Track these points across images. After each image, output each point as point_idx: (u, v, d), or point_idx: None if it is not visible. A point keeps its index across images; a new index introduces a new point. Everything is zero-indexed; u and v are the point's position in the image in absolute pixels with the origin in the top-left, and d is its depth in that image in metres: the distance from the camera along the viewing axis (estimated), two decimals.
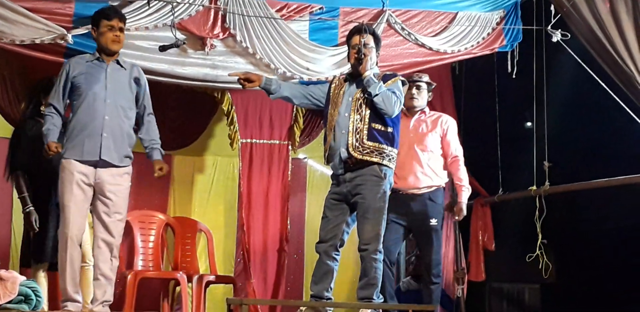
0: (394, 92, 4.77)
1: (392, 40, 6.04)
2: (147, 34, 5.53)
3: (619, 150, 6.13)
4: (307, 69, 5.86)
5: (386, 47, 5.85)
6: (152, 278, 6.07)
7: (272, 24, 5.81)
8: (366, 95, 4.78)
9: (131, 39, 5.49)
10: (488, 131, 6.83)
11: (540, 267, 6.17)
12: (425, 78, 5.70)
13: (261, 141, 6.40)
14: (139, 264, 6.11)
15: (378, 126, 4.78)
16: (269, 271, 6.29)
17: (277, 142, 6.45)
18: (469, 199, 6.50)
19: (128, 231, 6.12)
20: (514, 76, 6.44)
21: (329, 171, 5.12)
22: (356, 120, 4.78)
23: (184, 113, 6.72)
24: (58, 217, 4.72)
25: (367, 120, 4.77)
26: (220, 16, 5.70)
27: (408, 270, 6.82)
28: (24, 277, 4.66)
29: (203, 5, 5.64)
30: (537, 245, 6.20)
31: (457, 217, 5.50)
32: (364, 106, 4.79)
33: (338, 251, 4.84)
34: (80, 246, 5.02)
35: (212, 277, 6.10)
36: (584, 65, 6.02)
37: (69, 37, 5.15)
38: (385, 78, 4.89)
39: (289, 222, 6.40)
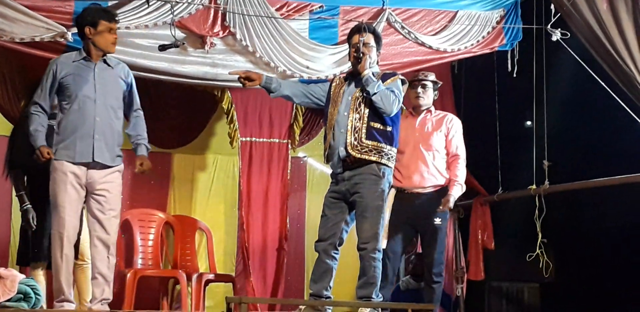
0: (392, 91, 4.76)
1: (392, 38, 6.04)
2: (147, 32, 5.53)
3: (618, 149, 6.14)
4: (307, 68, 5.87)
5: (386, 45, 5.85)
6: (151, 277, 6.08)
7: (272, 22, 5.81)
8: (365, 94, 4.78)
9: (131, 37, 5.49)
10: (488, 130, 6.83)
11: (540, 266, 6.16)
12: (432, 77, 5.66)
13: (261, 140, 6.40)
14: (138, 262, 6.11)
15: (377, 125, 4.78)
16: (268, 270, 6.30)
17: (277, 140, 6.45)
18: (469, 198, 6.52)
19: (127, 229, 6.13)
20: (513, 75, 6.45)
21: (328, 170, 5.12)
22: (355, 119, 4.77)
23: (184, 111, 6.73)
24: None
25: (366, 119, 4.77)
26: (220, 14, 5.70)
27: (407, 269, 6.82)
28: (23, 276, 4.66)
29: (203, 4, 5.64)
30: (536, 244, 6.19)
31: (441, 207, 5.44)
32: (363, 105, 4.79)
33: (337, 250, 4.83)
34: (78, 245, 5.05)
35: (211, 276, 6.11)
36: (584, 65, 6.02)
37: (69, 35, 5.16)
38: (384, 77, 4.89)
39: (288, 220, 6.41)
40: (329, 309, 4.83)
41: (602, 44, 5.71)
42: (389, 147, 4.80)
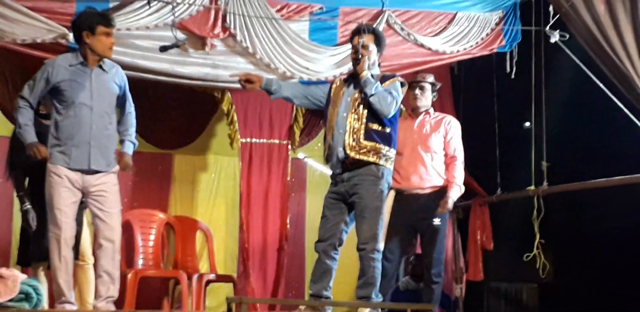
0: (390, 93, 4.77)
1: (392, 40, 6.03)
2: (147, 34, 5.55)
3: (617, 150, 6.15)
4: (307, 69, 5.88)
5: (385, 47, 5.86)
6: (152, 277, 6.09)
7: (273, 23, 5.83)
8: (363, 96, 4.80)
9: (132, 38, 5.51)
10: (487, 131, 6.84)
11: (537, 266, 6.18)
12: (430, 78, 5.67)
13: (261, 141, 6.42)
14: (139, 263, 6.13)
15: (375, 126, 4.80)
16: (268, 270, 6.31)
17: (277, 141, 6.46)
18: (468, 198, 6.53)
19: (128, 229, 6.14)
20: (512, 76, 6.46)
21: (328, 171, 5.14)
22: (353, 120, 4.80)
23: (184, 112, 6.75)
24: None
25: (364, 120, 4.79)
26: (220, 16, 5.71)
27: (407, 270, 6.84)
28: (24, 276, 4.67)
29: (203, 5, 5.66)
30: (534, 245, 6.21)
31: (439, 209, 5.46)
32: (361, 106, 4.81)
33: (337, 250, 4.85)
34: (79, 246, 5.07)
35: (212, 276, 6.12)
36: (582, 66, 6.03)
37: (70, 36, 5.15)
38: (384, 79, 4.90)
39: (288, 221, 6.42)
40: (329, 309, 4.85)
41: (601, 45, 5.72)
42: (387, 148, 4.82)
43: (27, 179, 5.13)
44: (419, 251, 6.30)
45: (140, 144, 6.53)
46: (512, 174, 6.73)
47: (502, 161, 6.78)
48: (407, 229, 5.54)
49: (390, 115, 4.80)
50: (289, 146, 6.50)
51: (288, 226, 6.40)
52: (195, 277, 5.97)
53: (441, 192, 5.50)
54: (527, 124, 6.85)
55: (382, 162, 4.79)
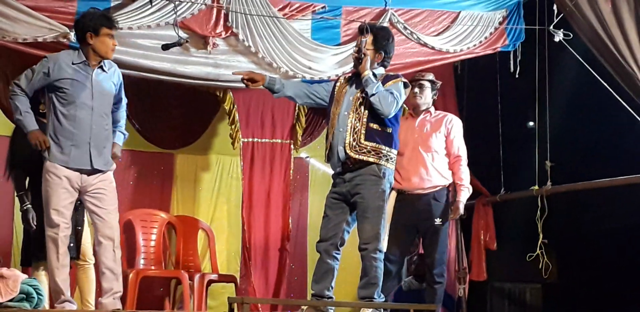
0: (391, 93, 4.73)
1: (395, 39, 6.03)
2: (149, 33, 5.54)
3: (621, 150, 6.13)
4: (310, 68, 5.87)
5: (394, 45, 5.84)
6: (153, 277, 6.09)
7: (275, 23, 5.81)
8: (364, 95, 4.77)
9: (133, 37, 5.50)
10: (490, 131, 6.83)
11: (540, 266, 6.16)
12: (429, 76, 5.64)
13: (263, 140, 6.41)
14: (140, 262, 6.12)
15: (376, 126, 4.77)
16: (270, 270, 6.30)
17: (279, 141, 6.45)
18: (471, 198, 6.49)
19: (130, 229, 6.14)
20: (516, 76, 6.45)
21: (330, 170, 5.12)
22: (355, 119, 4.77)
23: (186, 112, 6.73)
24: None
25: (364, 120, 4.77)
26: (222, 15, 5.70)
27: (410, 270, 6.82)
28: (25, 276, 4.66)
29: (205, 4, 5.65)
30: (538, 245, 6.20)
31: (452, 216, 5.48)
32: (363, 106, 4.79)
33: (339, 250, 4.84)
34: (80, 245, 5.06)
35: (213, 276, 6.11)
36: (586, 65, 6.02)
37: (72, 36, 5.15)
38: (386, 79, 4.87)
39: (290, 221, 6.41)
40: (331, 309, 4.84)
41: (605, 44, 5.71)
42: (388, 148, 4.79)
43: (27, 179, 5.11)
44: (421, 251, 6.28)
45: (142, 143, 6.57)
46: (516, 174, 6.72)
47: (505, 160, 6.77)
48: (409, 229, 5.53)
49: (390, 116, 4.77)
50: (291, 146, 6.48)
51: (290, 225, 6.39)
52: (197, 277, 5.95)
53: (441, 192, 5.49)
54: (531, 123, 6.84)
55: (382, 162, 4.77)
